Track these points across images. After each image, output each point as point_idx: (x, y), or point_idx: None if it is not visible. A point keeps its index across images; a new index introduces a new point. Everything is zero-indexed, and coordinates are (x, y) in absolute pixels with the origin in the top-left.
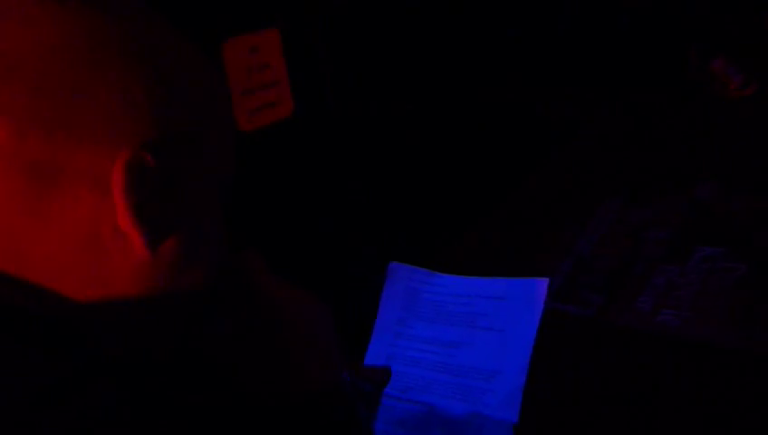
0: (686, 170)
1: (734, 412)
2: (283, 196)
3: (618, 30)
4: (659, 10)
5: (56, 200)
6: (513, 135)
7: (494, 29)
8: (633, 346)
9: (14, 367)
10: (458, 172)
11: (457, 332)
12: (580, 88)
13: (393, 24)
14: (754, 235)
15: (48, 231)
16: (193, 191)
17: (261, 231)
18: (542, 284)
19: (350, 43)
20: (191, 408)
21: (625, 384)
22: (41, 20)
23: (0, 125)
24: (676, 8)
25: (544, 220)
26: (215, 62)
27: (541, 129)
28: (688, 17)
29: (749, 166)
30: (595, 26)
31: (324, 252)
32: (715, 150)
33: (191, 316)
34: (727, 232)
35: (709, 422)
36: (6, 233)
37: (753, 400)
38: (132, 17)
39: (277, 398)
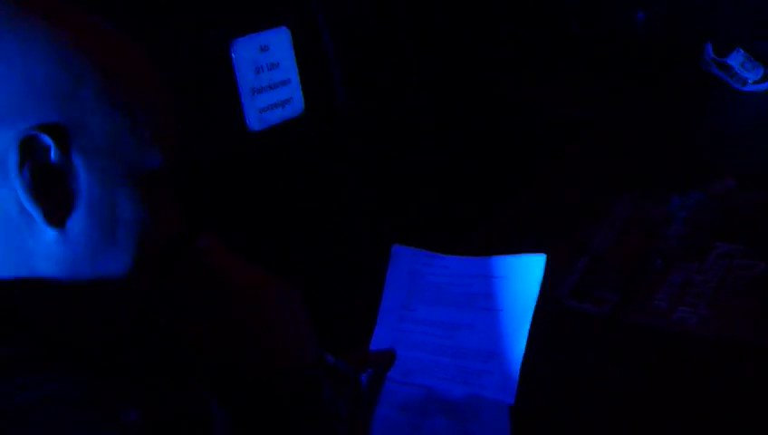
0: (702, 167)
1: (752, 409)
2: (291, 193)
3: (633, 25)
4: (675, 4)
5: None
6: (527, 132)
7: (509, 27)
8: (649, 344)
9: None
10: (472, 169)
11: (458, 313)
12: (595, 85)
13: (403, 22)
14: None
15: None
16: (100, 172)
17: (269, 224)
18: (539, 260)
19: (360, 41)
20: (151, 385)
21: (637, 380)
22: None
23: None
24: (693, 2)
25: (559, 218)
26: (223, 61)
27: (555, 126)
28: (704, 12)
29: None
30: (610, 22)
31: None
32: (733, 146)
33: (139, 297)
34: (745, 229)
35: (726, 419)
36: None
37: None
38: (44, 6)
39: (236, 374)
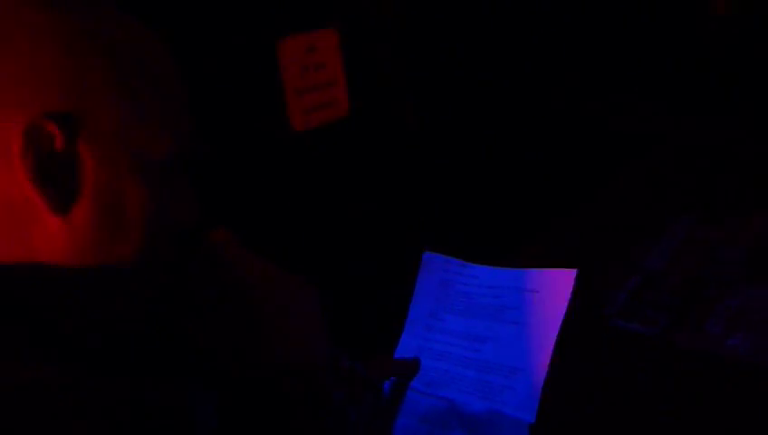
0: (761, 190)
1: None
2: (332, 194)
3: (703, 42)
4: (748, 22)
5: None
6: (586, 146)
7: (571, 36)
8: (697, 369)
9: None
10: (527, 182)
11: (484, 325)
12: (658, 99)
13: (454, 24)
14: None
15: None
16: (107, 160)
17: (309, 225)
18: (569, 275)
19: (408, 42)
20: (163, 379)
21: (676, 405)
22: None
23: None
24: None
25: (614, 234)
26: (270, 60)
27: (614, 142)
28: None
29: None
30: (678, 38)
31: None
32: None
33: (147, 289)
34: None
35: None
36: None
37: None
38: (75, 6)
39: (247, 371)
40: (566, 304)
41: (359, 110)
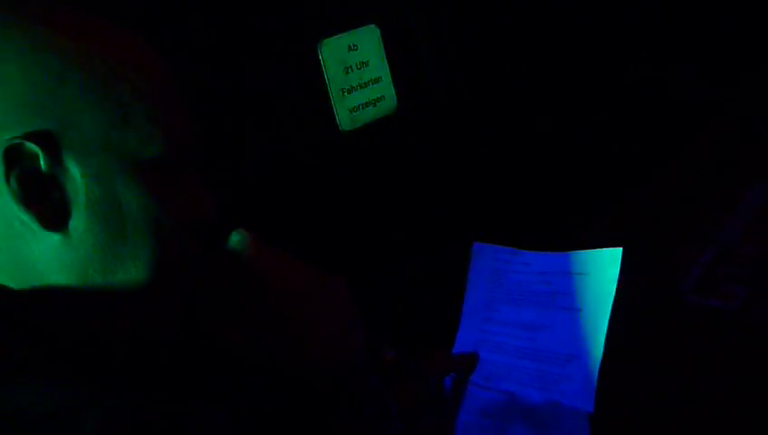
0: None
1: None
2: (382, 191)
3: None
4: None
5: None
6: (649, 116)
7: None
8: None
9: None
10: (592, 157)
11: (538, 314)
12: (725, 62)
13: (498, 7)
14: None
15: None
16: (97, 169)
17: (359, 223)
18: (616, 254)
19: (450, 35)
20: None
21: (757, 387)
22: None
23: None
24: None
25: (685, 208)
26: (311, 61)
27: (680, 109)
28: None
29: None
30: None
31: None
32: None
33: (165, 299)
34: None
35: None
36: None
37: None
38: (42, 17)
39: (275, 373)
40: (615, 284)
41: (404, 106)
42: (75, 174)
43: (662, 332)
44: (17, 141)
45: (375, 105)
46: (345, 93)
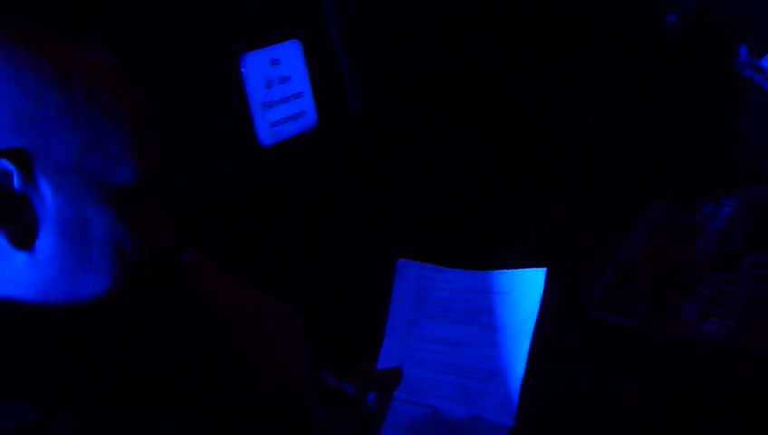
0: (735, 173)
1: None
2: (302, 207)
3: (665, 28)
4: (709, 6)
5: None
6: (553, 138)
7: (532, 29)
8: (677, 356)
9: None
10: (496, 176)
11: (461, 330)
12: (624, 87)
13: (417, 26)
14: None
15: None
16: (68, 191)
17: (279, 239)
18: (539, 274)
19: (373, 50)
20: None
21: (661, 394)
22: None
23: None
24: (726, 4)
25: (587, 227)
26: (233, 76)
27: (582, 132)
28: (739, 13)
29: None
30: (640, 23)
31: (339, 256)
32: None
33: (122, 318)
34: None
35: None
36: None
37: None
38: (22, 36)
39: (222, 395)
40: (538, 303)
41: (326, 121)
42: (46, 194)
43: (571, 347)
44: None
45: (296, 120)
46: (266, 108)
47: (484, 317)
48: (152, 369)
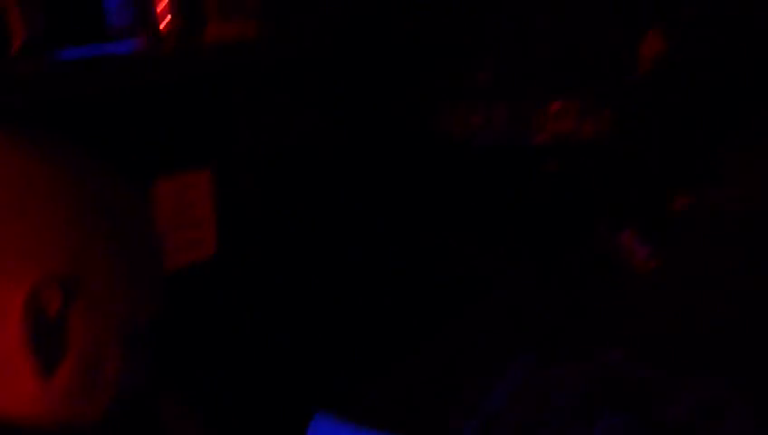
0: (594, 336)
1: None
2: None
3: (534, 195)
4: (572, 183)
5: None
6: (421, 289)
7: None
8: None
9: None
10: (366, 326)
11: None
12: (493, 245)
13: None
14: (655, 406)
15: None
16: (94, 328)
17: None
18: None
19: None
20: None
21: None
22: None
23: None
24: (589, 182)
25: (452, 378)
26: (146, 200)
27: (451, 285)
28: (599, 191)
29: (653, 335)
30: (510, 188)
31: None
32: (622, 319)
33: None
34: (632, 401)
35: None
36: None
37: None
38: (63, 161)
39: None
40: None
41: (225, 249)
42: (77, 326)
43: None
44: (43, 285)
45: (194, 248)
46: (169, 233)
47: None
48: None
